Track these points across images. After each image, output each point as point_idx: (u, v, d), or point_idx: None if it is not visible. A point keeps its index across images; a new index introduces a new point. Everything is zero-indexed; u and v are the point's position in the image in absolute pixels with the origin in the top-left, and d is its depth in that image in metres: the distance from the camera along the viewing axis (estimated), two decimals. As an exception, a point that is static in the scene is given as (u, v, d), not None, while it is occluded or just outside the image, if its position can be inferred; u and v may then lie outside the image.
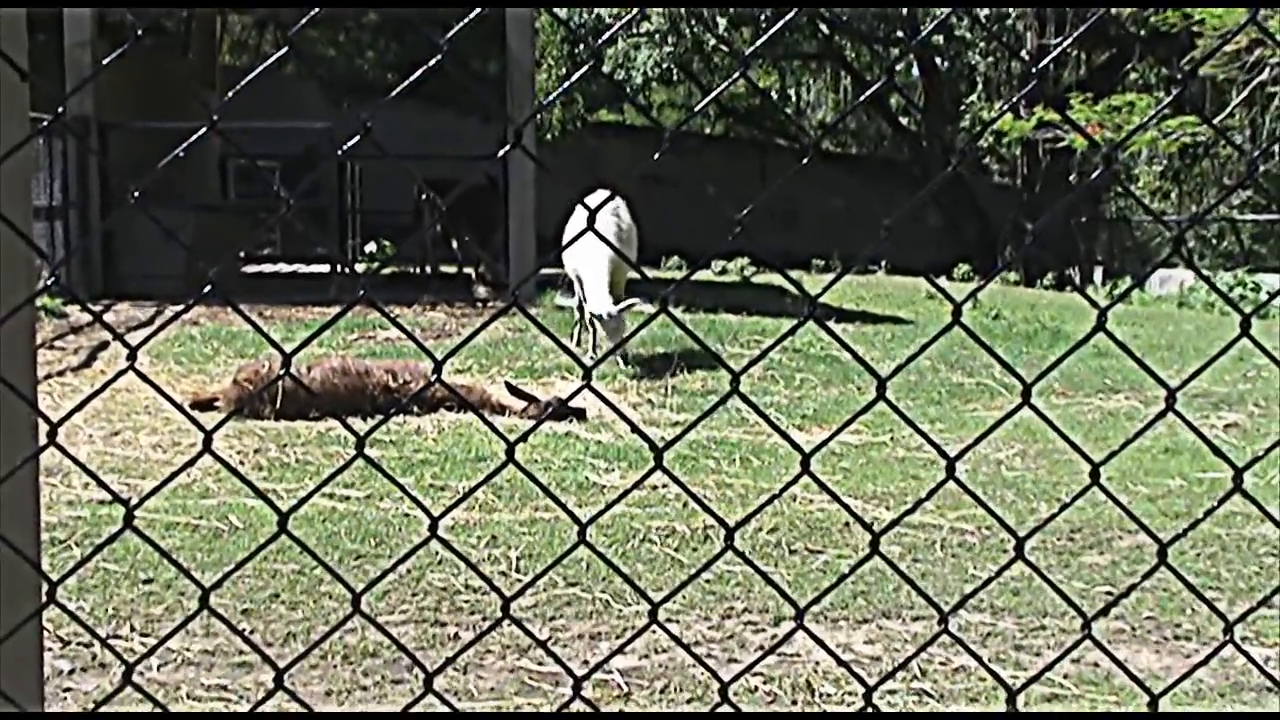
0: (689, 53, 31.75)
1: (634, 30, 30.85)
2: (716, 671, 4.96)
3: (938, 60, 34.90)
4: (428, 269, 20.28)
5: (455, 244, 19.73)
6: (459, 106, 27.84)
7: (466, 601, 5.72)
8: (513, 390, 10.10)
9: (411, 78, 1.95)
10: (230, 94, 2.18)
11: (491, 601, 5.73)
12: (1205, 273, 28.12)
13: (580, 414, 9.85)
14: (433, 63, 1.78)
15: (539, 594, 5.82)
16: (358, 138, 1.84)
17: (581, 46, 29.58)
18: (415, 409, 9.72)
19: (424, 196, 18.23)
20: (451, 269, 20.35)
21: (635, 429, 1.99)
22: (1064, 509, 2.21)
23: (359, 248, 21.25)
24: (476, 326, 13.49)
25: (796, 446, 1.80)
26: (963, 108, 33.86)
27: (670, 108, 41.68)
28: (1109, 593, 6.00)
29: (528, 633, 2.22)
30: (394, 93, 2.13)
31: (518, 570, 6.21)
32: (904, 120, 37.76)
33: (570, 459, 8.62)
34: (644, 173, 26.59)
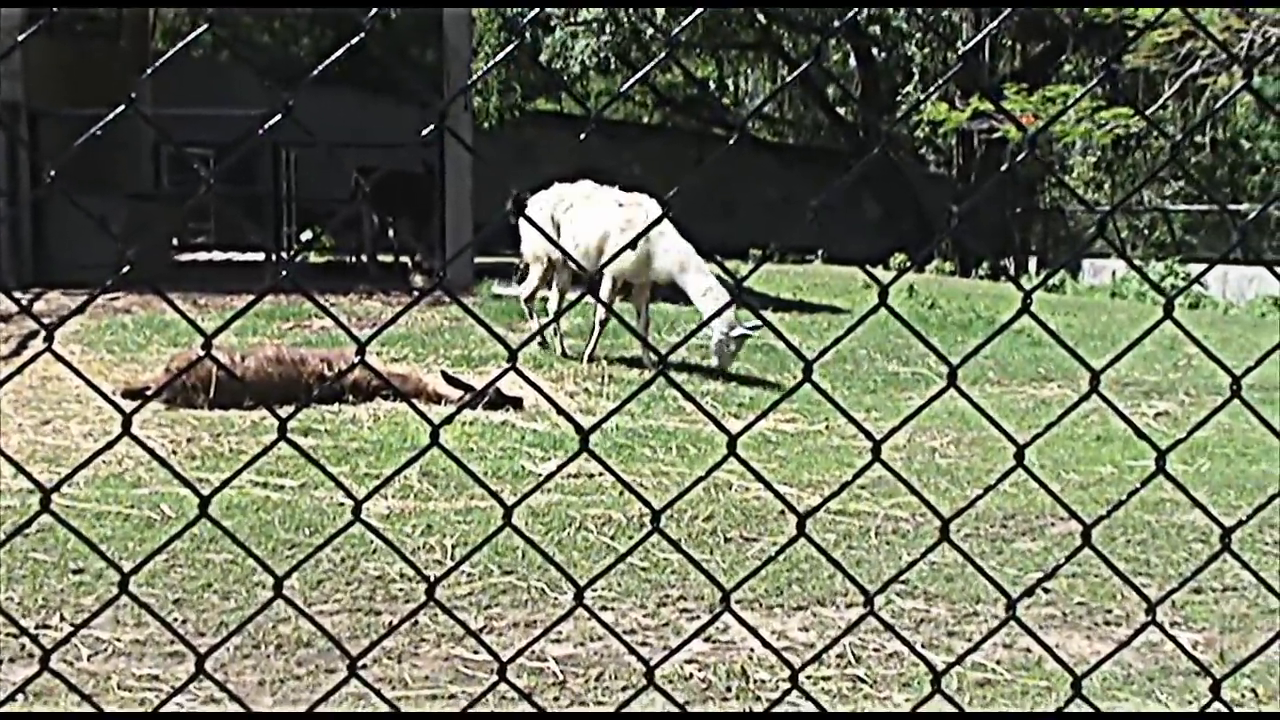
0: (626, 42, 31.72)
1: (571, 19, 30.82)
2: (649, 658, 4.96)
3: (874, 51, 35.05)
4: (364, 258, 20.18)
5: (392, 232, 19.66)
6: (398, 95, 27.70)
7: (401, 590, 5.69)
8: (449, 379, 10.06)
9: (330, 58, 1.93)
10: (145, 74, 2.15)
11: (420, 595, 5.70)
12: (1130, 257, 28.41)
13: (517, 403, 9.83)
14: (354, 42, 1.76)
15: (474, 582, 5.81)
16: (277, 118, 1.82)
17: (524, 35, 29.52)
18: (351, 398, 9.67)
19: (358, 184, 18.11)
20: (388, 258, 20.26)
21: (560, 410, 1.99)
22: (988, 491, 2.22)
23: (295, 236, 21.12)
24: (405, 311, 13.44)
25: (723, 429, 1.80)
26: (900, 99, 34.02)
27: (609, 97, 41.64)
28: (1040, 578, 6.04)
29: (454, 618, 2.21)
30: (312, 74, 2.10)
31: (453, 559, 6.19)
32: (841, 111, 37.88)
33: (507, 448, 8.60)
34: (580, 163, 26.54)
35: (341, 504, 6.96)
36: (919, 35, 32.16)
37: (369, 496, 2.10)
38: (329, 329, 12.81)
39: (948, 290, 21.85)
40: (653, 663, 2.10)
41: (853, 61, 36.90)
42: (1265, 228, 27.67)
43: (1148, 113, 27.23)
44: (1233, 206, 27.90)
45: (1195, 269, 26.16)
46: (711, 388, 11.28)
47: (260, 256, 20.51)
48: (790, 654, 5.09)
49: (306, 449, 7.82)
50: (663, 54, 1.76)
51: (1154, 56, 25.80)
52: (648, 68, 2.01)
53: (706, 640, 5.19)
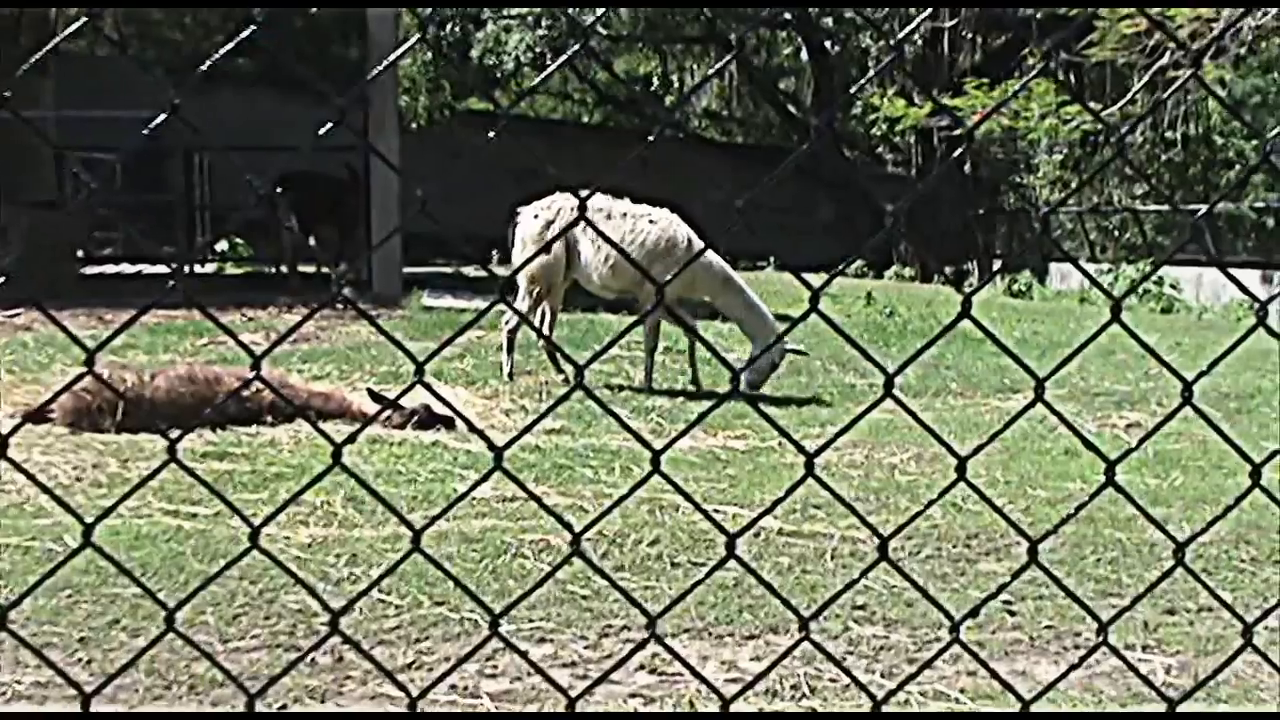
0: (563, 37, 31.74)
1: (504, 12, 30.79)
2: (590, 690, 4.96)
3: (827, 44, 35.19)
4: (284, 268, 20.09)
5: (313, 241, 19.58)
6: (318, 94, 27.55)
7: (324, 624, 5.65)
8: (376, 397, 10.02)
9: (222, 51, 1.92)
10: (20, 70, 2.13)
11: (351, 624, 5.67)
12: (1069, 253, 28.65)
13: (449, 423, 9.80)
14: (243, 35, 1.75)
15: (403, 614, 5.78)
16: (161, 119, 1.81)
17: (448, 29, 29.47)
18: (270, 419, 9.61)
19: (277, 189, 18.02)
20: (311, 268, 20.18)
21: (471, 427, 1.98)
22: (929, 507, 2.22)
23: (208, 245, 21.00)
24: (300, 325, 13.38)
25: (647, 445, 1.80)
26: (855, 94, 34.18)
27: (546, 94, 41.65)
28: (1006, 601, 6.07)
29: (363, 652, 2.19)
30: (203, 67, 2.08)
31: (381, 590, 6.15)
32: (792, 108, 38.03)
33: (438, 470, 8.57)
34: (517, 164, 26.53)
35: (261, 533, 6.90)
36: (874, 28, 32.31)
37: (266, 523, 2.08)
38: (246, 344, 12.73)
39: (908, 297, 21.97)
40: (575, 695, 2.10)
41: (804, 55, 37.05)
42: (1240, 228, 27.95)
43: (1115, 108, 27.47)
44: (1200, 206, 28.16)
45: (1167, 272, 26.38)
46: (659, 404, 11.29)
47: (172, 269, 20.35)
48: (739, 685, 5.08)
49: (222, 474, 7.77)
50: (578, 46, 1.75)
51: (1121, 49, 26.07)
52: (563, 59, 2.00)
53: (652, 673, 5.18)
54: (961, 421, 10.63)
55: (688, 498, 1.90)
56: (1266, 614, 3.32)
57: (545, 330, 12.29)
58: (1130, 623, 5.92)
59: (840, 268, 1.97)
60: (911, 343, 15.21)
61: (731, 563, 6.14)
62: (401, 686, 2.28)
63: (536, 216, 12.21)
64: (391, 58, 1.81)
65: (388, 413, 9.84)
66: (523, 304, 12.24)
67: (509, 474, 1.84)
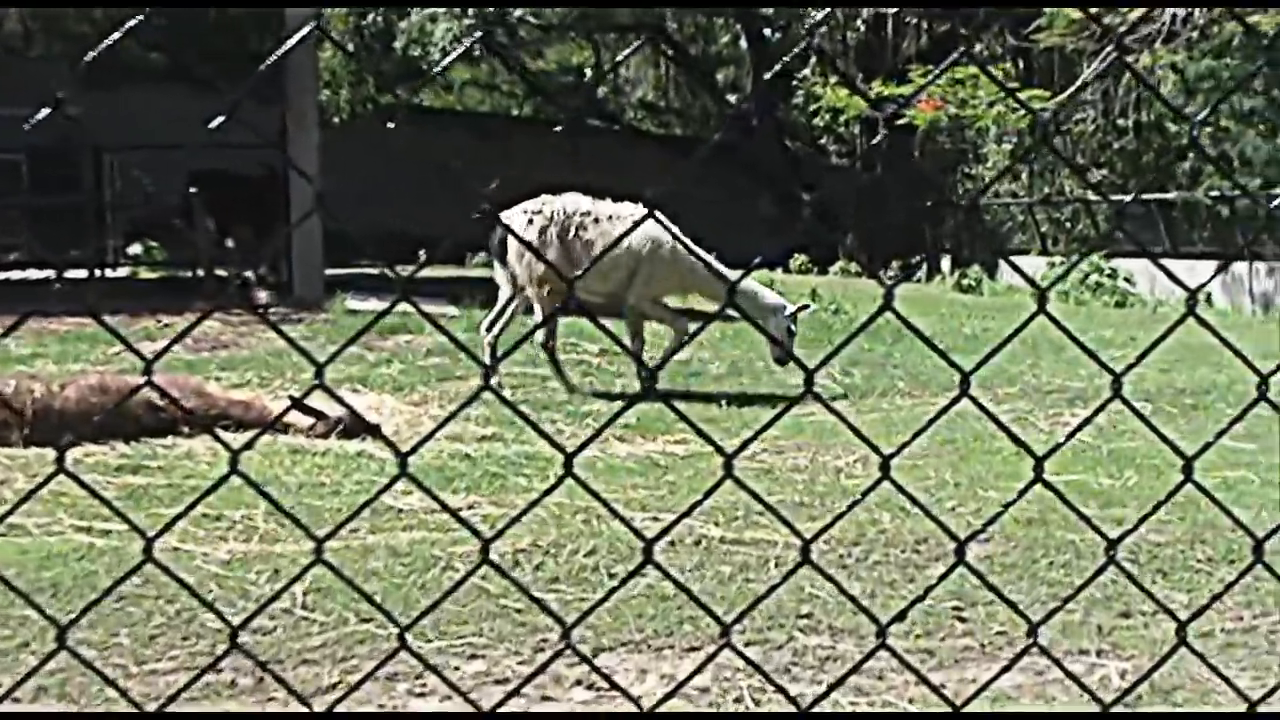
0: (492, 25, 31.69)
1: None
2: (524, 709, 4.96)
3: (766, 31, 35.28)
4: (200, 271, 19.97)
5: (230, 242, 19.49)
6: (234, 89, 27.39)
7: (244, 643, 5.63)
8: (298, 405, 9.98)
9: (106, 41, 1.91)
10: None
11: (274, 643, 5.65)
12: (1005, 248, 28.85)
13: (375, 430, 9.77)
14: (129, 25, 1.74)
15: (328, 632, 5.76)
16: (43, 114, 1.80)
17: (369, 19, 29.36)
18: (186, 430, 9.56)
19: (190, 189, 17.93)
20: (228, 271, 20.08)
21: (375, 431, 1.98)
22: (853, 506, 2.24)
23: (121, 249, 20.86)
24: (194, 327, 13.33)
25: (558, 447, 1.81)
26: (795, 83, 34.27)
27: (474, 87, 41.58)
28: (956, 607, 6.12)
29: (269, 671, 2.20)
30: (83, 61, 2.08)
31: (304, 607, 6.13)
32: (732, 99, 38.12)
33: (364, 481, 8.55)
34: (444, 159, 26.49)
35: (176, 549, 6.88)
36: (814, 14, 32.41)
37: (160, 534, 2.08)
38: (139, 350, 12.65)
39: (854, 293, 22.08)
40: (490, 709, 2.11)
41: (743, 43, 37.15)
42: (1195, 219, 28.18)
43: (1066, 93, 27.68)
44: (1156, 196, 28.38)
45: (1120, 265, 26.56)
46: (594, 408, 11.30)
47: (83, 273, 20.19)
48: (681, 700, 5.10)
49: (136, 488, 7.72)
50: (478, 35, 1.75)
51: (1070, 34, 26.28)
52: (465, 46, 2.01)
53: (590, 688, 5.19)
54: (908, 421, 10.69)
55: (603, 502, 1.91)
56: (1199, 613, 3.37)
57: (547, 335, 12.32)
58: (1085, 627, 5.98)
59: (756, 263, 1.98)
60: (859, 340, 15.26)
61: (676, 573, 6.14)
62: (305, 701, 2.28)
63: (531, 221, 12.21)
64: (286, 46, 1.81)
65: (302, 421, 9.80)
66: (541, 312, 12.26)
67: (415, 480, 1.85)
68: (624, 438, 10.15)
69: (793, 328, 12.33)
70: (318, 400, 9.87)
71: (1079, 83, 25.81)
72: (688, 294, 13.10)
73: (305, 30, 1.75)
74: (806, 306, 12.76)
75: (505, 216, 12.22)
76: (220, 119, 1.87)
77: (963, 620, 6.01)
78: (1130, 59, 26.24)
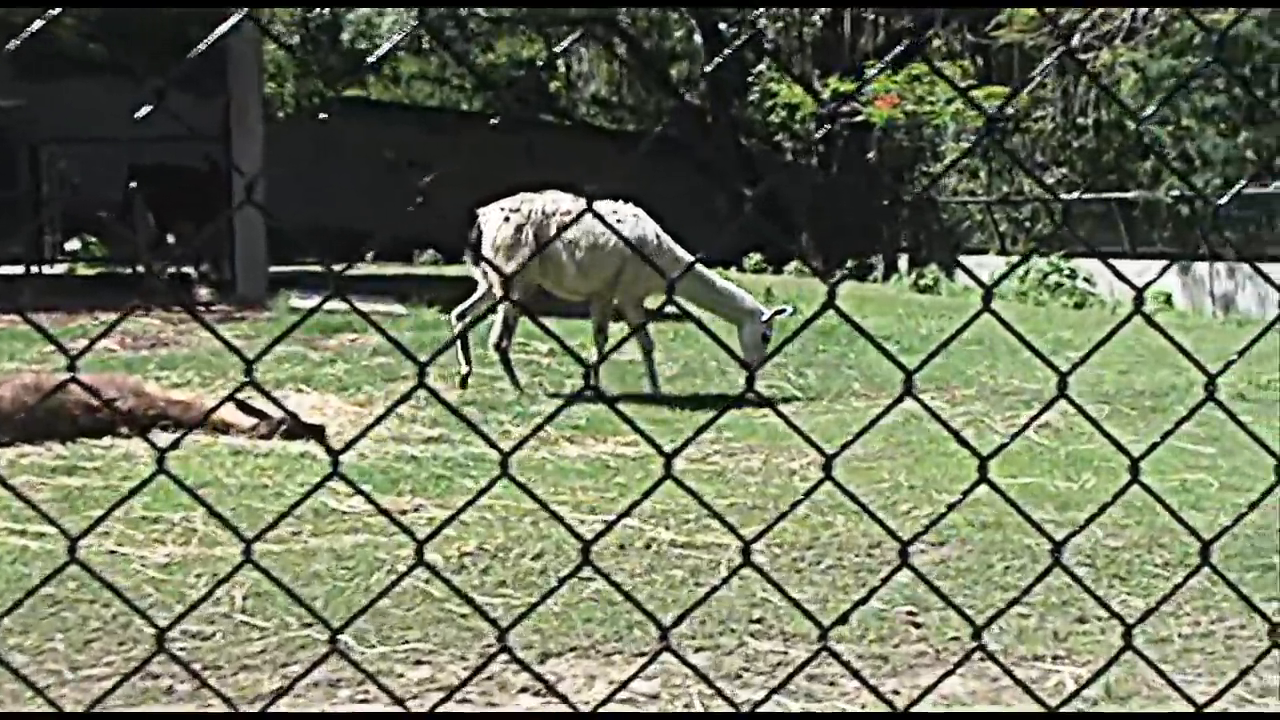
0: (442, 18, 31.62)
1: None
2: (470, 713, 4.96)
3: (722, 26, 35.32)
4: (141, 268, 19.87)
5: (171, 238, 19.38)
6: (176, 81, 27.24)
7: (183, 649, 5.60)
8: (240, 405, 9.94)
9: (29, 30, 1.90)
10: None
11: (213, 648, 5.63)
12: (961, 244, 28.94)
13: (318, 431, 9.74)
14: (55, 12, 1.73)
15: (268, 638, 5.74)
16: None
17: (316, 11, 29.26)
18: (124, 430, 9.51)
19: (130, 184, 17.83)
20: (169, 268, 19.97)
21: (308, 429, 1.98)
22: (795, 506, 2.24)
23: (59, 245, 20.73)
24: (117, 323, 13.26)
25: (495, 446, 1.81)
26: (751, 79, 34.32)
27: (423, 80, 41.49)
28: (910, 612, 6.14)
29: (200, 679, 2.19)
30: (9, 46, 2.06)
31: (244, 611, 6.11)
32: (687, 94, 38.15)
33: (306, 483, 8.52)
34: (393, 154, 26.44)
35: (113, 552, 6.84)
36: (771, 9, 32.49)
37: (84, 534, 2.06)
38: (100, 351, 12.59)
39: (809, 292, 22.10)
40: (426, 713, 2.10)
41: (698, 38, 37.19)
42: (1155, 217, 28.34)
43: (1025, 90, 27.80)
44: (1117, 195, 28.54)
45: (1081, 264, 26.69)
46: (542, 409, 11.30)
47: (19, 269, 20.05)
48: (628, 706, 5.11)
49: (73, 489, 7.68)
50: (416, 26, 1.75)
51: (1029, 31, 26.40)
52: (404, 36, 2.00)
53: (536, 695, 5.19)
54: (862, 423, 10.70)
55: (541, 504, 1.91)
56: (1145, 616, 3.40)
57: (503, 335, 12.28)
58: (1040, 633, 6.01)
59: (697, 257, 1.98)
60: (814, 341, 15.32)
61: (624, 578, 6.14)
62: (227, 698, 2.27)
63: (508, 219, 12.19)
64: (212, 36, 1.80)
65: (244, 422, 9.76)
66: (505, 312, 12.22)
67: (347, 480, 1.84)
68: (574, 439, 10.15)
69: (768, 333, 12.38)
70: (262, 401, 9.83)
71: (1024, 83, 25.92)
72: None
73: (232, 20, 1.74)
74: (783, 310, 12.81)
75: (483, 214, 12.22)
76: (146, 109, 1.86)
77: (917, 626, 6.03)
78: (1090, 56, 26.40)
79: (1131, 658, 5.73)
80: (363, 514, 7.69)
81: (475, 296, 12.48)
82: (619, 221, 12.23)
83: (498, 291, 12.13)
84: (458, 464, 9.14)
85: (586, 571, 6.66)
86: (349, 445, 1.84)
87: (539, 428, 2.06)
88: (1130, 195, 27.96)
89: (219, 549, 7.02)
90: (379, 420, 2.05)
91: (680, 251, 12.31)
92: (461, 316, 12.40)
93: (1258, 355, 13.88)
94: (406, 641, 5.73)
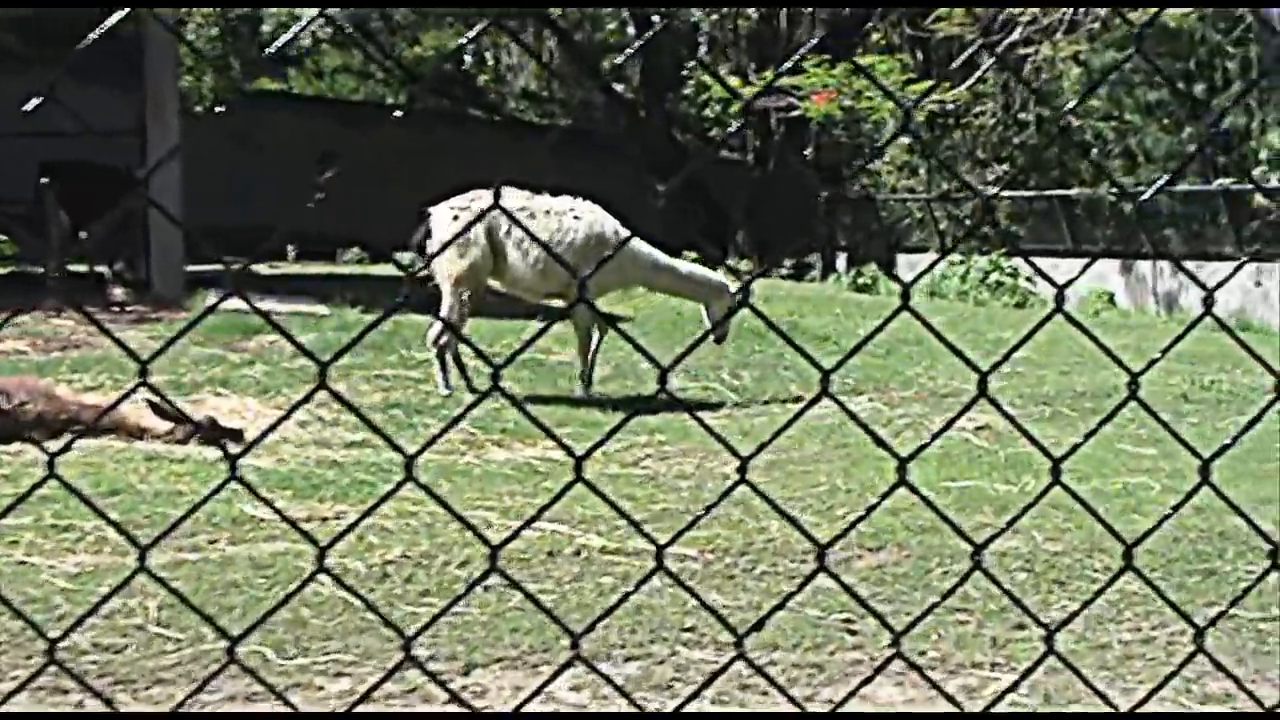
0: (366, 11, 31.50)
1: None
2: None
3: (655, 19, 35.32)
4: (53, 268, 19.68)
5: (84, 237, 19.20)
6: (87, 74, 27.03)
7: (94, 663, 5.56)
8: (157, 409, 9.86)
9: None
10: None
11: (126, 662, 5.58)
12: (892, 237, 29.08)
13: (237, 436, 9.68)
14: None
15: (182, 650, 5.70)
16: None
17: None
18: (34, 435, 9.42)
19: (41, 180, 17.66)
20: (83, 268, 19.78)
21: (239, 439, 1.96)
22: (707, 511, 2.23)
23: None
24: (63, 326, 13.16)
25: (398, 449, 1.79)
26: (684, 72, 34.34)
27: (346, 74, 41.32)
28: (847, 619, 6.15)
29: (90, 688, 2.17)
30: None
31: (158, 623, 6.06)
32: (619, 88, 38.14)
33: (224, 490, 8.45)
34: (315, 149, 26.27)
35: (22, 562, 6.78)
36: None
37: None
38: (9, 353, 12.48)
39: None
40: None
41: (630, 30, 37.17)
42: (1098, 215, 28.54)
43: (963, 86, 27.93)
44: (1060, 192, 28.72)
45: (1022, 263, 26.81)
46: (472, 413, 11.26)
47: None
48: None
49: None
50: (315, 15, 1.73)
51: (968, 24, 26.54)
52: (300, 28, 1.99)
53: (459, 704, 5.17)
54: (799, 425, 10.72)
55: (446, 507, 1.90)
56: (1065, 622, 3.41)
57: (442, 332, 12.24)
58: (978, 640, 6.04)
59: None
60: (748, 342, 15.34)
61: (552, 585, 6.14)
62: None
63: (456, 218, 12.15)
64: (103, 26, 1.78)
65: (159, 426, 9.69)
66: (449, 311, 12.18)
67: (246, 484, 1.83)
68: (501, 443, 10.13)
69: (734, 306, 12.50)
70: (181, 403, 9.77)
71: (942, 77, 26.05)
72: (628, 288, 13.57)
73: (121, 13, 1.71)
74: (752, 283, 12.96)
75: (432, 213, 12.18)
76: (36, 101, 1.83)
77: (853, 633, 6.05)
78: (1030, 51, 26.56)
79: (1074, 663, 5.78)
80: (280, 521, 7.64)
81: (444, 311, 12.43)
82: (576, 218, 12.26)
83: (446, 289, 12.12)
84: (381, 469, 9.09)
85: (513, 576, 6.63)
86: (246, 449, 1.83)
87: (442, 432, 2.06)
88: (1071, 192, 28.13)
89: (130, 558, 6.96)
90: (274, 426, 2.03)
91: (643, 247, 12.35)
92: (443, 341, 12.36)
93: (1202, 356, 14.03)
94: (327, 653, 5.70)
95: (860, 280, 29.29)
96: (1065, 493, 7.69)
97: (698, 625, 6.06)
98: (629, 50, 34.45)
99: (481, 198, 12.33)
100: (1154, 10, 20.25)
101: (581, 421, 10.93)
